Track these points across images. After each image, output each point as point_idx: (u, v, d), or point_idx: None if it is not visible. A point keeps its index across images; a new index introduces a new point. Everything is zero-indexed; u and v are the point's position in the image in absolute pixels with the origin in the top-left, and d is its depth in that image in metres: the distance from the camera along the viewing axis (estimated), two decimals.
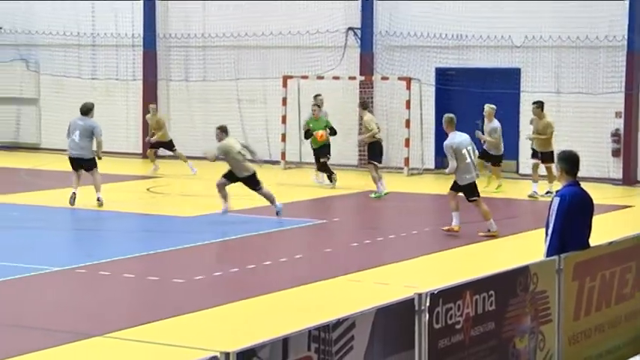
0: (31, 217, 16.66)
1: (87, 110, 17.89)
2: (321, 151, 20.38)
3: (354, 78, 24.45)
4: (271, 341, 5.68)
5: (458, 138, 14.98)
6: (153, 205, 18.88)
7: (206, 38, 26.22)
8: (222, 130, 16.38)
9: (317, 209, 18.32)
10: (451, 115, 15.34)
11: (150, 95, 26.77)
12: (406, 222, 16.64)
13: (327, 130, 20.26)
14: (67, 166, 24.00)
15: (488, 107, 20.22)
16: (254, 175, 16.17)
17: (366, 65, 24.42)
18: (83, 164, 17.66)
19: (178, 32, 26.61)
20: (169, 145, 23.39)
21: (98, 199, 17.45)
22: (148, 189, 20.60)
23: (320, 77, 24.47)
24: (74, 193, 17.42)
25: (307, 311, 10.42)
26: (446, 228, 15.04)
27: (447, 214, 15.21)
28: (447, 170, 15.18)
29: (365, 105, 20.15)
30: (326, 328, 5.98)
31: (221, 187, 16.12)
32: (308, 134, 20.50)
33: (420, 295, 6.52)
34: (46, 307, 10.70)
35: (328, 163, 20.44)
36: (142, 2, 26.69)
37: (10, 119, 28.81)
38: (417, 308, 6.51)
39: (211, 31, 26.06)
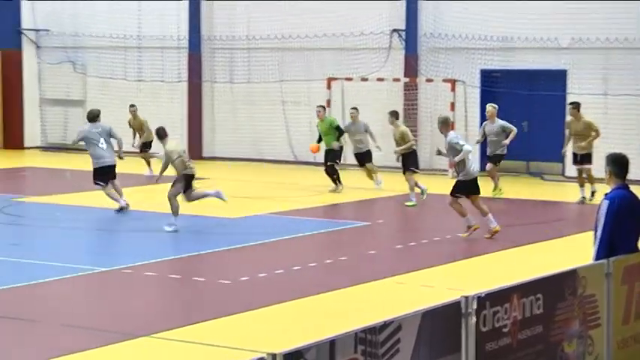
0: (76, 217, 16.82)
1: (95, 116, 17.34)
2: (331, 155, 20.13)
3: (398, 80, 24.41)
4: (318, 343, 5.68)
5: (459, 137, 15.27)
6: (198, 207, 18.95)
7: (250, 40, 26.31)
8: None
9: (361, 211, 18.31)
10: (447, 115, 15.39)
11: (195, 97, 26.94)
12: (450, 224, 16.54)
13: (335, 138, 19.99)
14: (118, 167, 24.27)
15: (491, 107, 19.77)
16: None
17: (411, 67, 24.35)
18: (113, 171, 17.30)
19: (223, 34, 26.74)
20: (149, 145, 23.10)
21: (128, 205, 17.20)
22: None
23: (364, 79, 24.46)
24: (127, 204, 17.10)
25: (353, 313, 10.41)
26: (488, 235, 14.85)
27: (495, 215, 15.10)
28: (456, 158, 14.92)
29: (397, 115, 19.42)
30: (373, 330, 5.97)
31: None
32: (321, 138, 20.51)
33: (466, 297, 6.48)
34: (94, 308, 10.80)
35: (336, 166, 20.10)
36: (187, 4, 26.85)
37: (57, 121, 29.14)
38: (463, 311, 6.48)
39: (256, 33, 26.15)
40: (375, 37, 24.73)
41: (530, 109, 23.31)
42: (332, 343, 5.75)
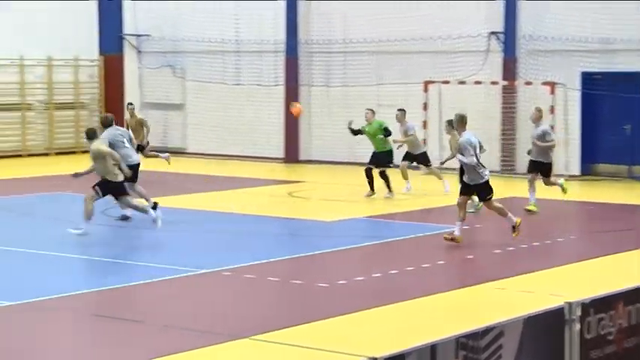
0: (176, 219, 17.09)
1: (112, 121, 16.98)
2: (383, 157, 19.53)
3: (496, 83, 24.16)
4: (419, 348, 5.67)
5: (473, 137, 14.81)
6: (295, 210, 19.10)
7: (347, 44, 26.37)
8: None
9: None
10: (463, 113, 15.06)
11: (291, 100, 27.10)
12: (550, 229, 16.33)
13: (382, 130, 19.39)
14: (212, 170, 24.73)
15: (536, 109, 18.60)
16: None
17: (509, 70, 24.08)
18: (137, 170, 16.96)
19: (320, 38, 26.86)
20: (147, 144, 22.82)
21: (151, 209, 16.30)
22: (289, 193, 20.84)
23: (462, 82, 24.29)
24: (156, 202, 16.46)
25: (452, 318, 10.35)
26: (450, 237, 14.51)
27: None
28: (466, 160, 14.60)
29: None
30: (475, 335, 5.94)
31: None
32: (356, 132, 19.94)
33: (570, 304, 6.39)
34: (195, 309, 10.96)
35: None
36: (284, 9, 27.06)
37: (157, 124, 29.66)
38: (567, 317, 6.39)
39: (353, 36, 26.20)
40: (473, 40, 24.53)
41: (633, 112, 22.81)
42: (433, 347, 5.74)
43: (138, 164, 16.95)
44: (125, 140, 16.82)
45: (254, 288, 12.02)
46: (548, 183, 18.22)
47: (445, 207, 18.26)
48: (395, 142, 19.86)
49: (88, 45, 29.31)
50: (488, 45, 24.42)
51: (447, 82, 24.46)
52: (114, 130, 16.82)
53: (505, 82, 24.06)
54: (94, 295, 11.56)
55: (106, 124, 16.85)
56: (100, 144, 15.28)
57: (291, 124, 27.15)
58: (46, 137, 28.81)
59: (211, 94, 28.39)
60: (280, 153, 27.28)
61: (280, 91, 27.34)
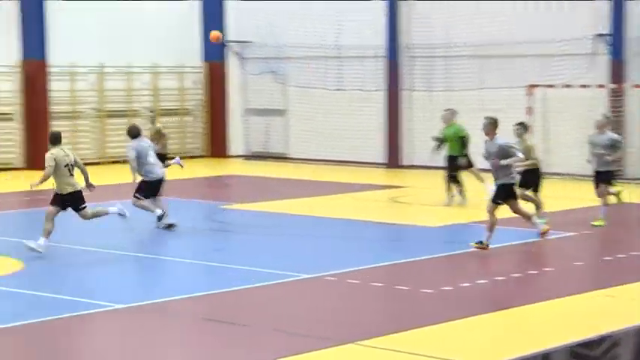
0: (278, 224, 17.22)
1: (139, 132, 16.72)
2: (457, 161, 19.19)
3: (602, 86, 23.67)
4: (532, 356, 5.58)
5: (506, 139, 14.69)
6: (398, 215, 19.05)
7: (449, 48, 26.19)
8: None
9: (567, 221, 17.81)
10: (495, 117, 14.73)
11: (393, 105, 27.07)
12: None
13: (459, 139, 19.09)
14: (314, 175, 24.85)
15: (603, 116, 17.37)
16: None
17: (617, 73, 23.57)
18: (161, 185, 16.60)
19: (421, 42, 26.74)
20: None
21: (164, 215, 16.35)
22: (392, 198, 20.80)
23: (567, 86, 23.86)
24: (164, 212, 16.29)
25: (561, 326, 10.16)
26: (476, 244, 14.23)
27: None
28: (510, 161, 14.26)
29: (527, 127, 17.17)
30: (589, 345, 5.81)
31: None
32: (440, 140, 19.64)
33: None
34: (301, 313, 11.01)
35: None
36: (384, 12, 27.00)
37: (260, 130, 29.97)
38: None
39: (455, 40, 26.01)
40: (578, 43, 24.09)
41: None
42: (545, 356, 5.63)
43: (160, 179, 16.51)
44: (150, 153, 16.53)
45: (358, 293, 12.01)
46: (605, 193, 16.85)
47: (549, 213, 17.96)
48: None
49: (191, 52, 29.80)
50: (595, 47, 23.95)
51: (551, 86, 24.06)
52: (141, 142, 16.58)
53: (613, 86, 23.55)
54: (201, 299, 11.70)
55: (133, 135, 16.58)
56: (58, 153, 14.24)
57: (393, 129, 27.09)
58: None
59: (313, 100, 28.53)
60: (382, 158, 27.23)
61: (381, 96, 27.30)
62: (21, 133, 26.61)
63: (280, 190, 22.25)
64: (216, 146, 30.26)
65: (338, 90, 28.11)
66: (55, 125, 25.58)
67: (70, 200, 14.23)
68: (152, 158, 16.52)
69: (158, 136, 20.36)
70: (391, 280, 12.79)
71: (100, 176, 24.61)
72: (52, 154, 14.14)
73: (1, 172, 25.57)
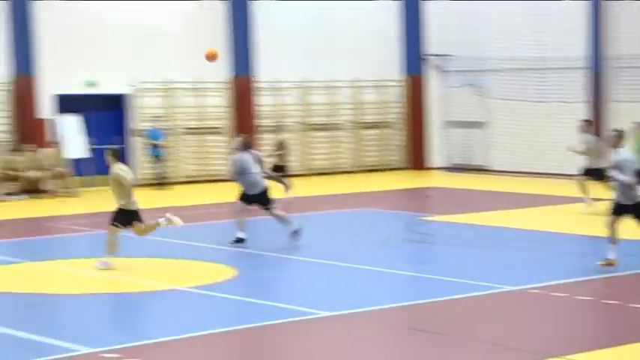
0: (478, 236, 17.26)
1: (249, 144, 16.88)
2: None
3: None
4: None
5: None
6: (595, 227, 18.65)
7: None
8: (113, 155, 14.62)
9: None
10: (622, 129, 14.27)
11: (594, 117, 26.49)
12: None
13: None
14: (514, 187, 24.64)
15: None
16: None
17: None
18: (264, 196, 16.50)
19: (628, 53, 26.06)
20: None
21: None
22: (593, 212, 20.38)
23: None
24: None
25: None
26: (603, 262, 13.76)
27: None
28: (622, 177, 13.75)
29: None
30: None
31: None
32: None
33: None
34: (508, 325, 11.03)
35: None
36: (588, 24, 26.49)
37: (460, 142, 30.03)
38: None
39: None
40: None
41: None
42: None
43: (262, 191, 16.44)
44: (254, 166, 16.46)
45: (564, 307, 11.92)
46: None
47: None
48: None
49: (391, 66, 30.25)
50: None
51: None
52: (247, 155, 16.53)
53: None
54: (409, 309, 11.93)
55: (241, 147, 16.66)
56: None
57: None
58: (353, 155, 29.99)
59: (512, 112, 28.33)
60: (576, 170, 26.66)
61: (582, 108, 26.76)
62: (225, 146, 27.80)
63: (481, 202, 22.24)
64: (417, 158, 30.56)
65: (539, 102, 27.77)
66: (260, 138, 26.63)
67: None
68: (256, 170, 16.46)
69: (280, 148, 21.80)
70: (600, 293, 12.59)
71: (305, 188, 25.37)
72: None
73: (211, 184, 26.76)
